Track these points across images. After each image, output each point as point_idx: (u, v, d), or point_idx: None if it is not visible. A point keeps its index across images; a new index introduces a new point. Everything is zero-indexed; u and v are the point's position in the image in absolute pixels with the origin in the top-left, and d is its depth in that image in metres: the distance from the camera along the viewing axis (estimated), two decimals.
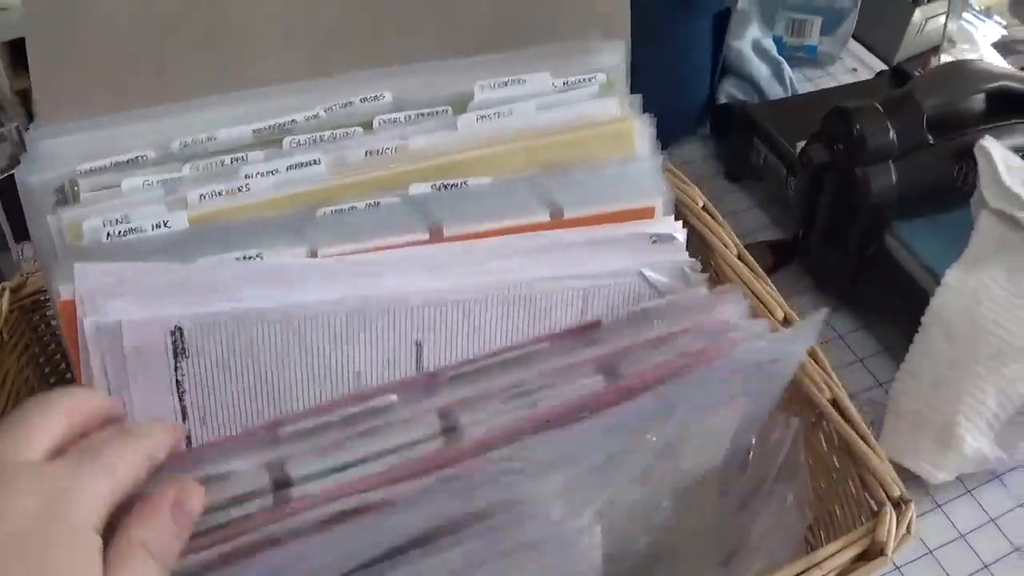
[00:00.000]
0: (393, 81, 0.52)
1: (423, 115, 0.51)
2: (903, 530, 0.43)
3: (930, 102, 0.68)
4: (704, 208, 0.58)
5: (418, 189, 0.48)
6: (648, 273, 0.49)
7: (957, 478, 0.62)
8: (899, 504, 0.44)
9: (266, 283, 0.45)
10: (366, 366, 0.46)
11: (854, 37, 1.04)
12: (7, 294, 0.55)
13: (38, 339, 0.59)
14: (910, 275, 0.67)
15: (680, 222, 0.52)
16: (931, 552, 0.60)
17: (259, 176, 0.47)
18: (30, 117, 0.70)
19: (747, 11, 0.98)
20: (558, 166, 0.50)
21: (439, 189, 0.48)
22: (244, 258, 0.46)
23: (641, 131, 0.52)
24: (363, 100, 0.51)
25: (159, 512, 0.32)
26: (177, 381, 0.45)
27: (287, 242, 0.46)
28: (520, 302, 0.48)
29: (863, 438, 0.46)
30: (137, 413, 0.44)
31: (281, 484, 0.38)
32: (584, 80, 0.53)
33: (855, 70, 1.03)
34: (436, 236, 0.48)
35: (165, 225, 0.46)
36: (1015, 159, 0.65)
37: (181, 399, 0.45)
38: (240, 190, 0.47)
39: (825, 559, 0.43)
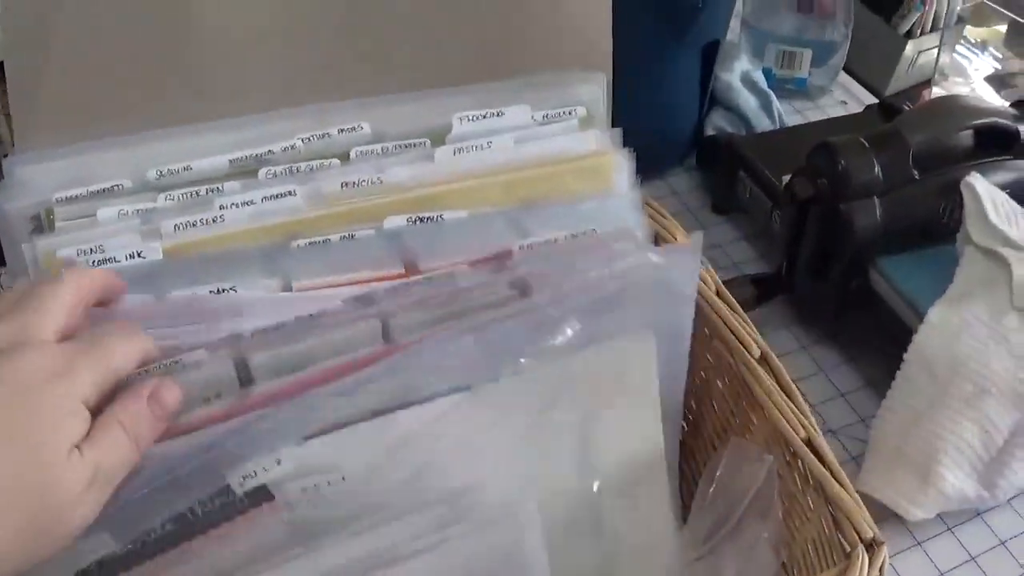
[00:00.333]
0: (371, 112, 0.52)
1: (401, 147, 0.51)
2: (875, 572, 0.43)
3: (916, 137, 0.68)
4: None
5: (393, 222, 0.48)
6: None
7: (938, 515, 0.61)
8: (871, 546, 0.44)
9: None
10: None
11: (845, 70, 1.05)
12: None
13: None
14: (893, 311, 0.67)
15: None
16: None
17: (234, 207, 0.47)
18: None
19: (736, 43, 0.99)
20: (535, 201, 0.50)
21: (414, 222, 0.48)
22: (218, 291, 0.46)
23: (620, 165, 0.52)
24: (341, 131, 0.51)
25: (139, 398, 0.37)
26: None
27: (261, 273, 0.46)
28: None
29: (836, 478, 0.46)
30: None
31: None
32: (563, 113, 0.53)
33: (844, 103, 1.03)
34: (411, 270, 0.48)
35: (139, 255, 0.46)
36: (1001, 196, 0.65)
37: None
38: (215, 220, 0.47)
39: None
